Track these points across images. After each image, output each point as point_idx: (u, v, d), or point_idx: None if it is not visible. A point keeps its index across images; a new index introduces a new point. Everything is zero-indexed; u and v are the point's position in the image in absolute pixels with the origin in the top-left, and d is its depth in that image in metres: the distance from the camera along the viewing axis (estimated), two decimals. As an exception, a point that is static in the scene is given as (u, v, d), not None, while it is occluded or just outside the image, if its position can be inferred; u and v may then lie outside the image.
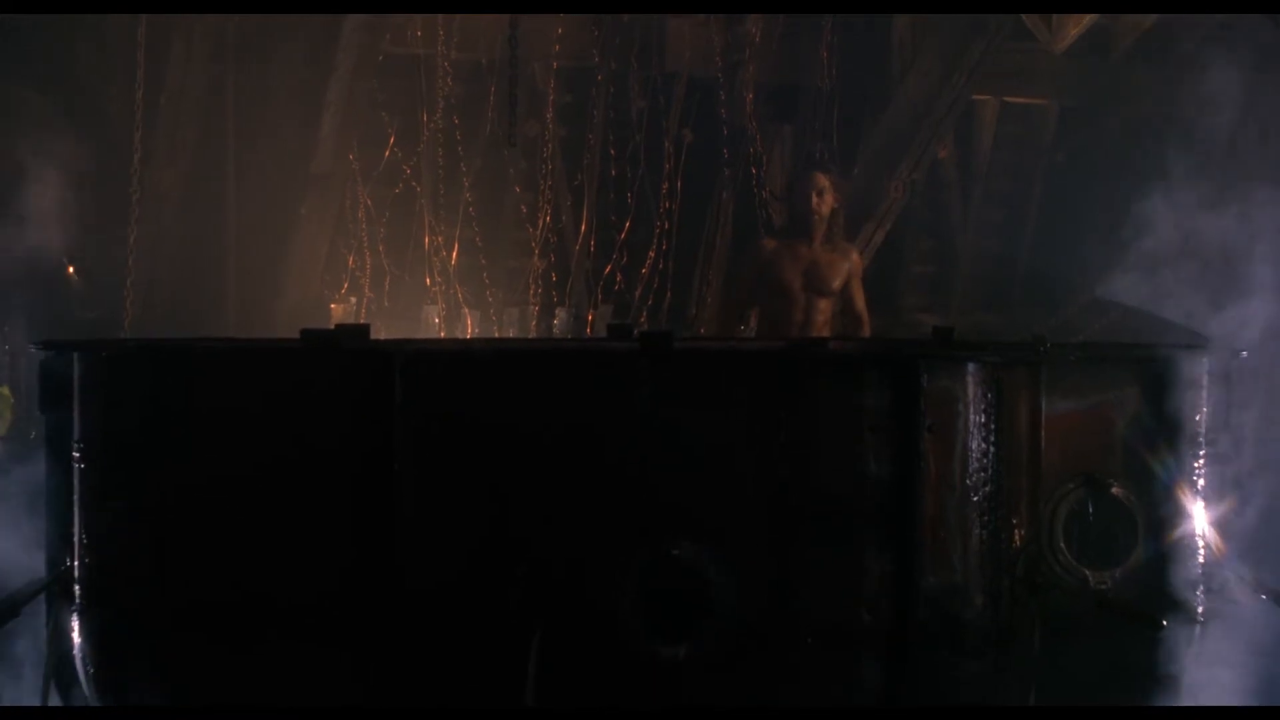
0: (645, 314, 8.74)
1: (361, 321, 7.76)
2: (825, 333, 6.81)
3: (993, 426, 3.92)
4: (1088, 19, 9.58)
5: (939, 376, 3.86)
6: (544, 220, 8.40)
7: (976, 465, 3.92)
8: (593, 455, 3.82)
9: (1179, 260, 9.29)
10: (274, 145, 7.47)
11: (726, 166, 8.77)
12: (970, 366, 3.88)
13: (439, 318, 8.14)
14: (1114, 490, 4.03)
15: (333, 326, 7.90)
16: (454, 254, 8.18)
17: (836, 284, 6.95)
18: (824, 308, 6.91)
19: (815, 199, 6.98)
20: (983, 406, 3.91)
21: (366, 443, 3.79)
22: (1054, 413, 3.99)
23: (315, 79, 7.47)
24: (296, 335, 3.93)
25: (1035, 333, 4.01)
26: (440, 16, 7.80)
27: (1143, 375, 4.10)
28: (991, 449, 3.93)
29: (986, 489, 3.93)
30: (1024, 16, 9.15)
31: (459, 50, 8.05)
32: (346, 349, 3.83)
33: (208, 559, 3.76)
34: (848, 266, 7.00)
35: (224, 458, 3.76)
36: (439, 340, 4.43)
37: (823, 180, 7.02)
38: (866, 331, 6.95)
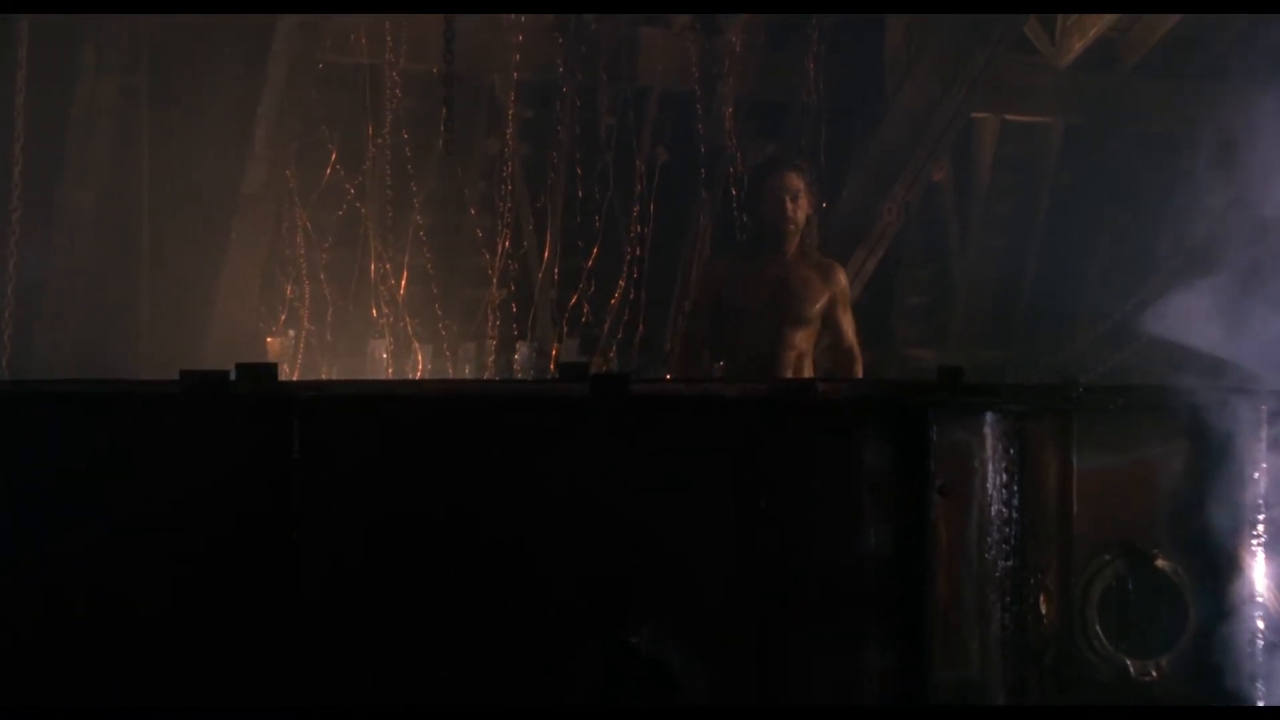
0: (615, 349, 8.23)
1: (300, 356, 7.27)
2: (799, 369, 5.93)
3: (1015, 488, 3.40)
4: (1093, 31, 9.22)
5: (951, 428, 3.34)
6: (503, 246, 7.93)
7: (996, 534, 3.39)
8: (535, 522, 3.30)
9: (1206, 284, 8.89)
10: (199, 162, 6.95)
11: (704, 188, 8.38)
12: (988, 416, 3.36)
13: (387, 353, 7.61)
14: (1158, 562, 3.54)
15: (268, 361, 7.57)
16: (403, 283, 7.67)
17: (813, 308, 5.96)
18: (798, 339, 5.94)
19: (788, 203, 5.98)
20: (1003, 464, 3.38)
21: (257, 508, 3.23)
22: (1087, 470, 3.49)
23: (246, 89, 6.96)
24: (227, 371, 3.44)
25: (1066, 375, 3.46)
26: (387, 23, 7.28)
27: (1190, 424, 3.58)
28: (1014, 514, 3.41)
29: (1008, 563, 3.41)
30: (1026, 29, 8.77)
31: (409, 60, 7.55)
32: (234, 394, 3.25)
33: (61, 661, 3.16)
34: (830, 289, 6.01)
35: (78, 526, 3.17)
36: (350, 383, 3.86)
37: (796, 180, 6.01)
38: (859, 370, 6.03)
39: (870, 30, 8.43)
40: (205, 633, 3.17)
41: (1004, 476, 3.38)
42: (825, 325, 6.04)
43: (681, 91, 8.33)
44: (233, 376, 3.36)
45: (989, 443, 3.36)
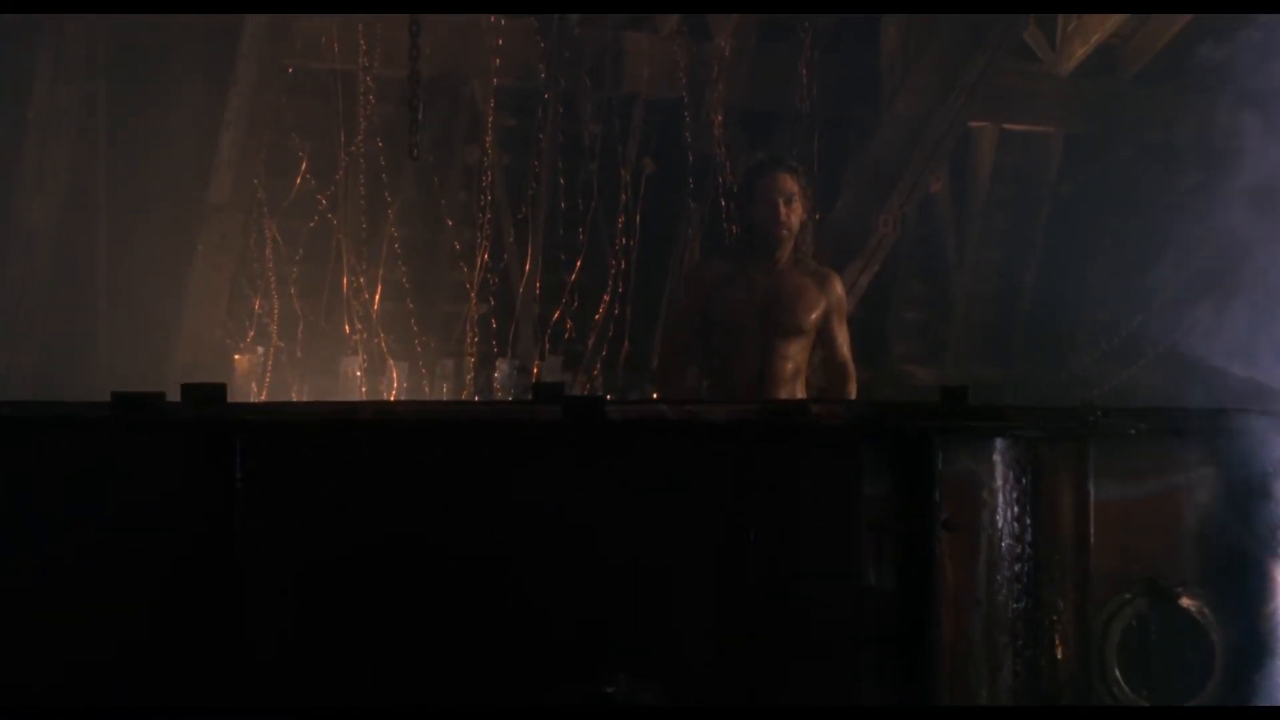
0: (599, 366, 7.99)
1: (268, 374, 7.03)
2: (792, 385, 5.56)
3: (1028, 521, 3.14)
4: (1095, 37, 9.06)
5: (958, 455, 3.08)
6: (482, 259, 7.68)
7: (1007, 572, 3.12)
8: (502, 558, 3.03)
9: (1216, 298, 8.73)
10: (163, 171, 6.72)
11: (692, 199, 8.15)
12: (998, 443, 3.10)
13: (360, 371, 7.36)
14: (1183, 600, 3.28)
15: (236, 379, 7.34)
16: (377, 297, 7.43)
17: (807, 320, 5.60)
18: (789, 353, 5.58)
19: (781, 207, 5.59)
20: (1015, 495, 3.12)
21: (195, 543, 2.96)
22: (1105, 500, 3.24)
23: (211, 95, 6.73)
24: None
25: (1083, 398, 3.19)
26: (360, 25, 7.04)
27: (1217, 450, 3.32)
28: (1026, 550, 3.15)
29: (1020, 603, 3.15)
30: (1025, 35, 8.61)
31: (384, 65, 7.33)
32: (169, 418, 2.98)
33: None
34: (825, 299, 5.65)
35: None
36: (302, 405, 3.60)
37: (790, 183, 5.64)
38: (852, 388, 5.69)
39: (865, 35, 8.23)
40: (135, 686, 2.89)
41: (1015, 508, 3.11)
42: (819, 338, 5.69)
43: (668, 98, 8.14)
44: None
45: (999, 471, 3.10)
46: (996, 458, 3.10)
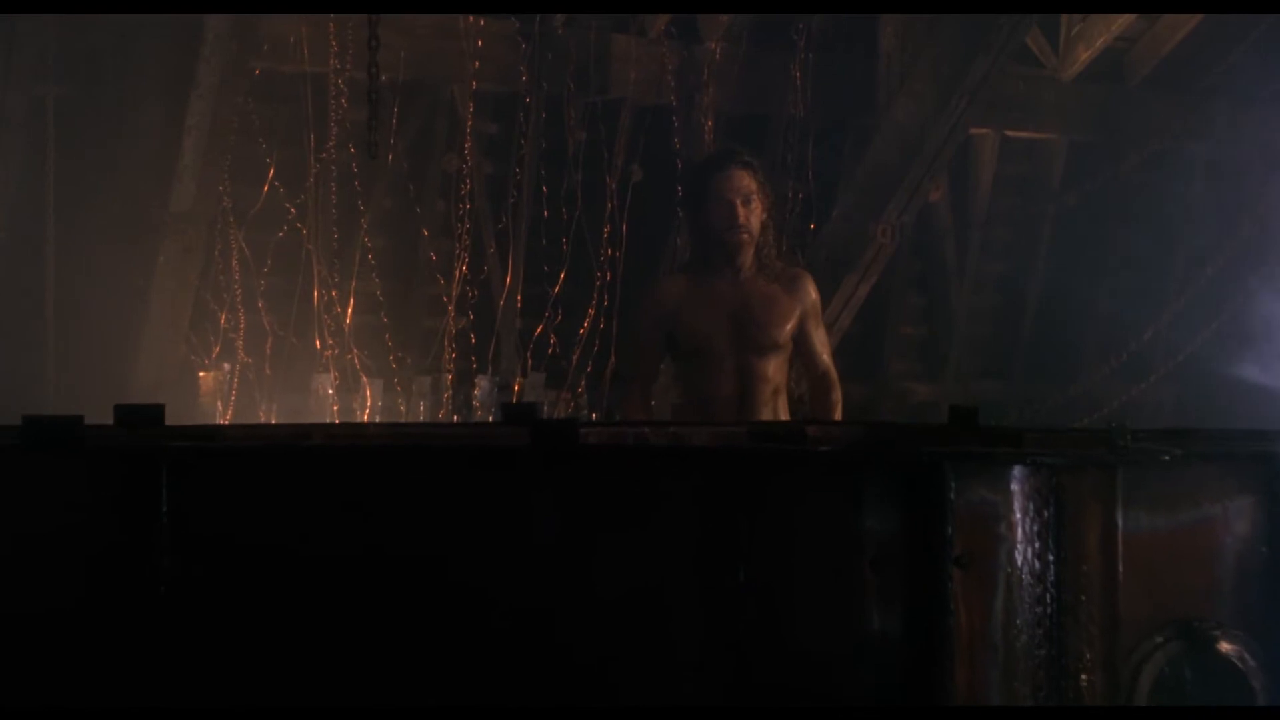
0: (584, 383, 7.74)
1: (234, 392, 6.78)
2: (774, 405, 5.08)
3: (1051, 557, 2.82)
4: (1100, 41, 8.90)
5: (972, 485, 2.76)
6: (461, 271, 7.42)
7: (1028, 615, 2.81)
8: (462, 600, 2.72)
9: (1231, 309, 8.58)
10: (121, 179, 6.46)
11: (681, 208, 7.59)
12: (1017, 471, 2.78)
13: (332, 388, 7.11)
14: (1221, 645, 2.96)
15: (201, 397, 7.07)
16: (349, 311, 7.16)
17: (782, 332, 5.08)
18: (768, 371, 5.07)
19: (739, 208, 5.05)
20: (1036, 528, 2.80)
21: (112, 584, 2.65)
22: (1136, 534, 2.91)
23: (173, 98, 6.47)
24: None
25: (1113, 423, 2.88)
26: (331, 25, 6.79)
27: (1259, 478, 3.01)
28: (1049, 590, 2.83)
29: (1042, 650, 2.83)
30: (1028, 39, 8.40)
31: (356, 68, 7.07)
32: (84, 446, 2.67)
33: None
34: (799, 304, 5.12)
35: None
36: (241, 429, 3.28)
37: (747, 179, 5.08)
38: (837, 397, 5.19)
39: (861, 37, 8.03)
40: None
41: (1037, 544, 2.80)
42: (796, 348, 5.18)
43: (657, 103, 7.95)
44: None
45: (1018, 503, 2.78)
46: (1015, 487, 2.78)
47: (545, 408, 7.69)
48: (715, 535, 2.76)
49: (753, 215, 5.11)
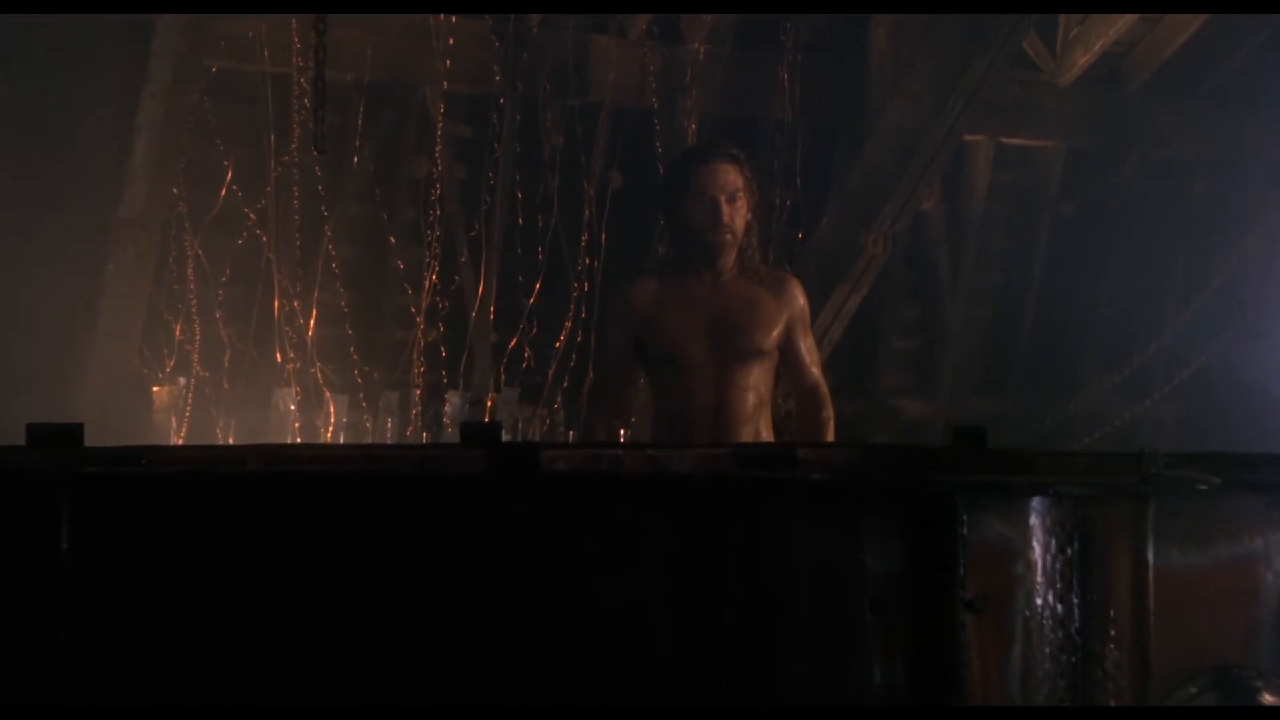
0: (560, 399, 7.52)
1: (189, 408, 6.53)
2: (756, 421, 4.71)
3: (1075, 600, 2.55)
4: (1098, 45, 8.73)
5: (987, 518, 2.48)
6: (431, 281, 7.18)
7: (1049, 665, 2.53)
8: (404, 645, 2.43)
9: (1239, 322, 8.38)
10: (68, 181, 6.23)
11: (661, 215, 7.51)
12: (1036, 503, 2.51)
13: (294, 404, 6.86)
14: (1263, 696, 2.69)
15: (154, 414, 6.80)
16: (312, 322, 6.94)
17: (766, 339, 4.72)
18: (750, 382, 4.71)
19: (723, 206, 4.68)
20: (1059, 567, 2.53)
21: (12, 629, 2.35)
22: (1168, 571, 2.66)
23: (123, 95, 6.23)
24: (105, 426, 2.93)
25: (1143, 447, 2.59)
26: (294, 22, 6.55)
27: (1304, 508, 2.74)
28: (1074, 636, 2.56)
29: (1065, 702, 2.54)
30: (1026, 43, 8.23)
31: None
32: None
33: None
34: (785, 310, 4.76)
35: None
36: (161, 451, 2.96)
37: (732, 174, 4.71)
38: (828, 412, 4.83)
39: (853, 37, 7.79)
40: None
41: (1059, 585, 2.52)
42: (782, 358, 4.80)
43: (637, 107, 7.72)
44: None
45: (1038, 538, 2.50)
46: (1034, 521, 2.50)
47: (519, 424, 7.47)
48: (697, 574, 2.48)
49: (737, 214, 4.73)
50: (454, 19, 7.10)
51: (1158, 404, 8.38)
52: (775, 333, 4.75)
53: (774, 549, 2.49)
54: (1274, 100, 8.82)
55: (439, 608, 2.39)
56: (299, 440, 6.83)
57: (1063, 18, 8.52)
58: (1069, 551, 2.53)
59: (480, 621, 2.43)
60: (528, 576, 2.45)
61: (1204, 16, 8.57)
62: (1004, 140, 8.72)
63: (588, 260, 7.52)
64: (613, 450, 3.31)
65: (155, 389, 6.75)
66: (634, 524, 2.47)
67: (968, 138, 8.35)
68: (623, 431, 5.04)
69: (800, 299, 4.83)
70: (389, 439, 7.18)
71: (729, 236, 4.72)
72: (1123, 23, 8.55)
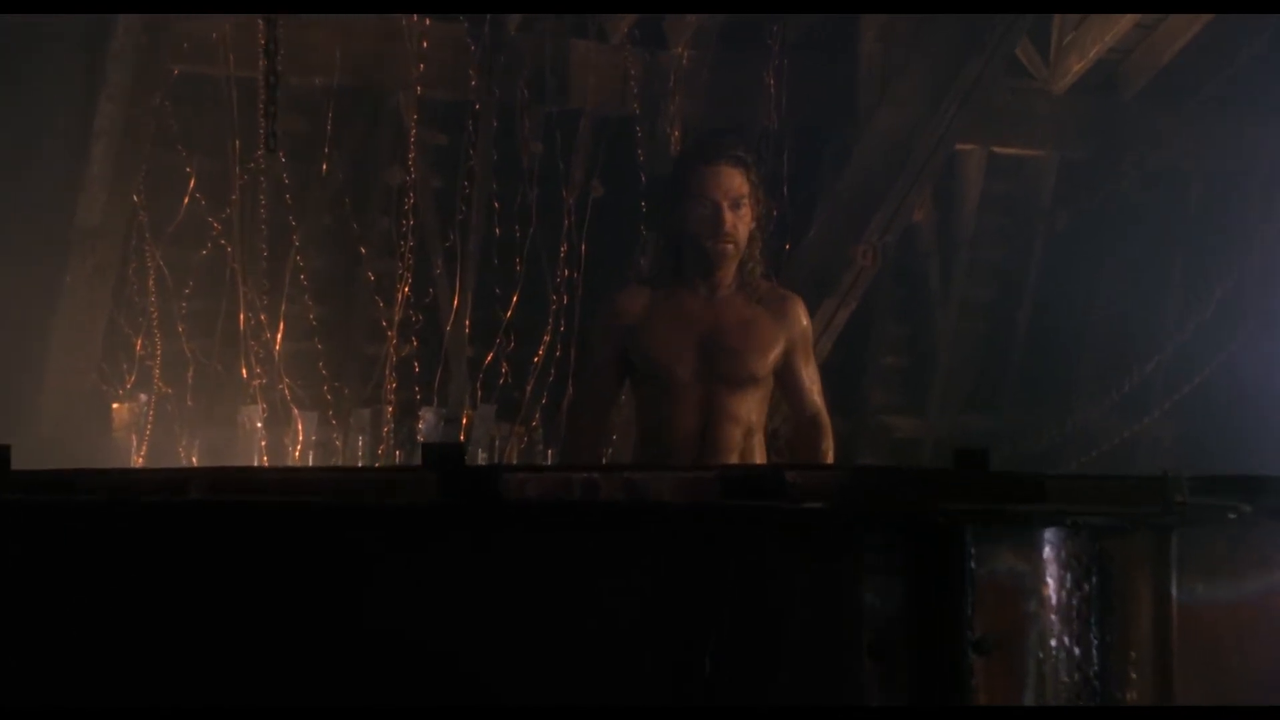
0: (539, 415, 7.40)
1: (149, 426, 6.40)
2: (746, 452, 4.38)
3: (1093, 641, 2.34)
4: (1093, 51, 8.71)
5: (998, 552, 2.27)
6: (404, 293, 7.07)
7: (1065, 712, 2.32)
8: (347, 700, 2.21)
9: (1240, 337, 8.26)
10: (21, 188, 6.12)
11: (645, 226, 7.46)
12: (1051, 534, 2.30)
13: (260, 421, 6.72)
14: None
15: (114, 432, 6.62)
16: (279, 336, 6.81)
17: (762, 363, 4.37)
18: (740, 410, 4.37)
19: (726, 213, 4.31)
20: (1075, 604, 2.32)
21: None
22: (1194, 610, 2.44)
23: (81, 98, 6.11)
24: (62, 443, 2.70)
25: (1166, 471, 2.38)
26: (260, 23, 6.38)
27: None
28: (1092, 680, 2.35)
29: (1082, 754, 2.33)
30: (1019, 50, 8.18)
31: (291, 71, 6.71)
32: None
33: None
34: (785, 333, 4.41)
35: None
36: (94, 479, 2.75)
37: (738, 178, 4.33)
38: (828, 447, 4.49)
39: (842, 40, 7.69)
40: None
41: (1075, 624, 2.30)
42: (780, 386, 4.48)
43: (619, 113, 7.64)
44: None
45: (1053, 573, 2.29)
46: (1049, 554, 2.28)
47: (496, 443, 7.34)
48: (675, 615, 2.26)
49: (740, 222, 4.35)
50: (428, 21, 7.04)
51: (1156, 421, 8.27)
52: (771, 357, 4.40)
53: (762, 585, 2.28)
54: (1273, 108, 8.74)
55: (387, 651, 2.17)
56: (265, 460, 6.68)
57: (1056, 24, 8.49)
58: (1086, 588, 2.32)
59: (437, 666, 2.21)
60: (489, 614, 2.24)
61: (1201, 22, 8.53)
62: (996, 149, 8.64)
63: (567, 272, 7.41)
64: (587, 474, 3.10)
65: (115, 406, 6.62)
66: (606, 558, 2.25)
67: (959, 146, 8.24)
68: (605, 451, 4.84)
69: (803, 321, 4.48)
70: (360, 458, 7.04)
71: (730, 246, 4.36)
72: (1118, 28, 8.50)
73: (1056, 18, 8.38)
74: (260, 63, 5.18)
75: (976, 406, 8.98)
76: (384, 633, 2.18)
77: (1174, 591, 2.42)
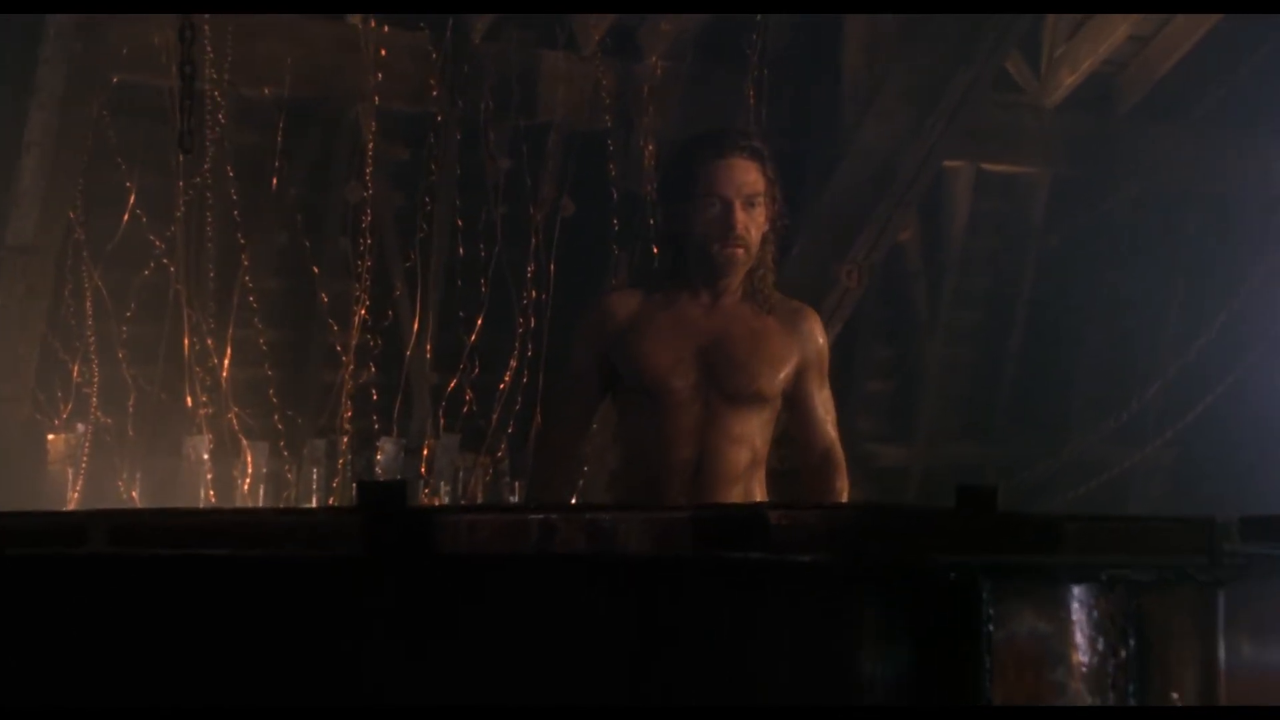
0: (505, 445, 7.20)
1: (85, 459, 6.16)
2: (747, 487, 3.90)
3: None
4: (1086, 65, 8.64)
5: (1019, 611, 2.01)
6: (360, 316, 6.88)
7: (1098, 799, 2.02)
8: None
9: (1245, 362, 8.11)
10: None
11: (617, 244, 7.30)
12: (1080, 591, 2.03)
13: (207, 453, 6.49)
14: None
15: (49, 464, 6.35)
16: (226, 362, 6.62)
17: (772, 381, 3.88)
18: (745, 433, 3.87)
19: (738, 211, 3.82)
20: (1111, 671, 2.06)
21: None
22: (1241, 672, 2.17)
23: (8, 107, 5.94)
24: None
25: (1214, 517, 2.09)
26: (205, 25, 6.17)
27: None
28: None
29: None
30: (1008, 63, 8.04)
31: (239, 82, 6.59)
32: None
33: None
34: (799, 350, 3.93)
35: None
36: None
37: (753, 172, 3.86)
38: (842, 485, 4.01)
39: (824, 50, 7.47)
40: None
41: (1111, 695, 2.02)
42: (790, 412, 4.00)
43: (590, 128, 7.43)
44: None
45: (1083, 636, 2.00)
46: (1078, 614, 2.00)
47: (460, 474, 7.10)
48: (636, 684, 1.96)
49: (753, 223, 3.87)
50: (386, 27, 6.83)
51: (1156, 450, 8.11)
52: (783, 375, 3.91)
53: (742, 653, 1.99)
54: (1273, 122, 8.59)
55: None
56: (212, 494, 6.43)
57: (1047, 36, 8.35)
58: (1122, 653, 2.02)
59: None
60: (418, 682, 1.94)
61: (1199, 34, 8.42)
62: (985, 167, 8.48)
63: (535, 294, 7.19)
64: (544, 515, 2.78)
65: (50, 437, 6.41)
66: (558, 622, 1.95)
67: (947, 164, 8.07)
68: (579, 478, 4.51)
69: (819, 337, 4.01)
70: (315, 491, 6.79)
71: (741, 251, 3.87)
72: (1111, 40, 8.37)
73: (1048, 29, 8.25)
74: (177, 52, 4.89)
75: (965, 434, 8.84)
76: (303, 696, 1.88)
77: (1221, 654, 2.13)
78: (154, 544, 2.55)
